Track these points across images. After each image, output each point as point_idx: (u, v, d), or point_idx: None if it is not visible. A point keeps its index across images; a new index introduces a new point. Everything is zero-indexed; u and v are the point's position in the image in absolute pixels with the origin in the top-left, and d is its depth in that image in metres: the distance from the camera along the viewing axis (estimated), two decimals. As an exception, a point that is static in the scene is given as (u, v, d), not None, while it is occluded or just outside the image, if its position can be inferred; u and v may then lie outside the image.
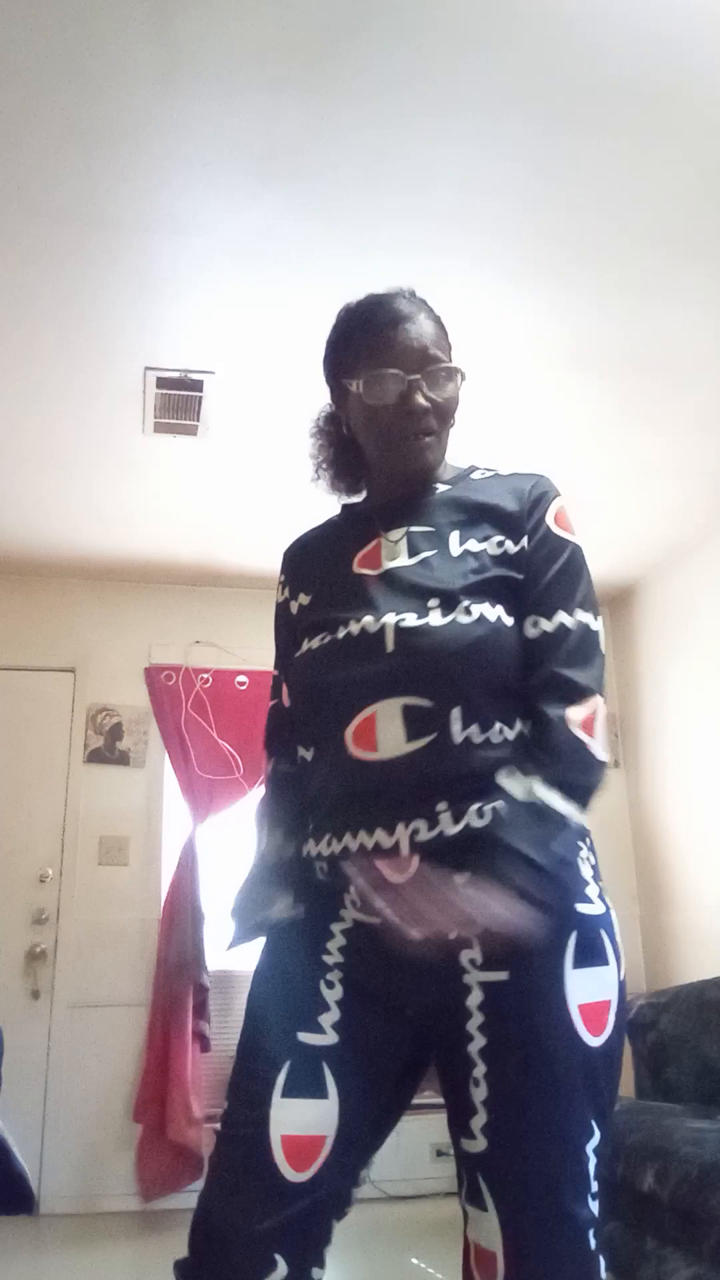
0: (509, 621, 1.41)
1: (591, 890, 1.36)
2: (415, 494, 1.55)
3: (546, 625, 1.42)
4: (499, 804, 1.30)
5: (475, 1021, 1.27)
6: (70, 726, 4.95)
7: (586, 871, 1.37)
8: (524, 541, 1.47)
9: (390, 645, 1.38)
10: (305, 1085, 1.27)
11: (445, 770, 1.32)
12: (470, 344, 3.39)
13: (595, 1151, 1.24)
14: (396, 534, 1.51)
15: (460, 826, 1.30)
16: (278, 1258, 1.20)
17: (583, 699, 1.38)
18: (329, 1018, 1.31)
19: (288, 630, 1.60)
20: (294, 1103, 1.26)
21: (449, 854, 1.29)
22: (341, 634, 1.43)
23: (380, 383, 1.48)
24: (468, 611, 1.38)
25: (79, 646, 5.03)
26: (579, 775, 1.33)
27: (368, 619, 1.41)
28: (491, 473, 1.59)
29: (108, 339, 3.32)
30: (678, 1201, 2.68)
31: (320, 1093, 1.27)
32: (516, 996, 1.27)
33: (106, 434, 3.90)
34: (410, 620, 1.38)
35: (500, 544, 1.46)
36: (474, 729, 1.34)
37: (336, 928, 1.37)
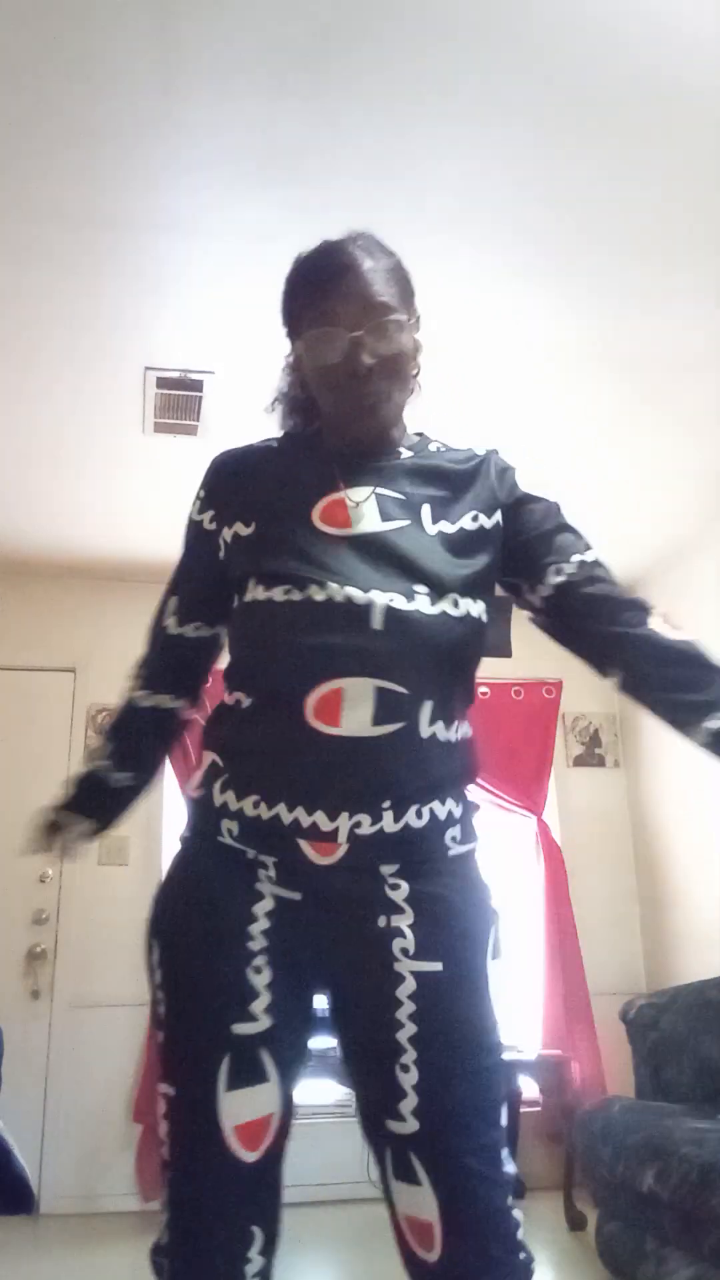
0: (485, 618, 1.42)
1: (488, 894, 1.42)
2: (375, 453, 1.47)
3: (570, 569, 1.45)
4: (435, 805, 1.34)
5: (406, 1010, 1.28)
6: (70, 726, 4.95)
7: (481, 875, 1.43)
8: (498, 515, 1.46)
9: (378, 624, 1.32)
10: (247, 1075, 1.27)
11: (404, 763, 1.32)
12: (471, 346, 3.40)
13: (504, 1121, 1.31)
14: (361, 493, 1.43)
15: (399, 826, 1.31)
16: (253, 1229, 1.26)
17: (649, 604, 1.44)
18: (260, 1003, 1.29)
19: (208, 553, 1.49)
20: (239, 1093, 1.26)
21: (380, 847, 1.31)
22: (320, 596, 1.33)
23: (321, 342, 1.41)
24: (456, 605, 1.36)
25: (79, 646, 5.02)
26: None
27: (352, 590, 1.33)
28: (444, 445, 1.54)
29: (108, 339, 3.32)
30: (678, 1201, 2.68)
31: (262, 1077, 1.28)
32: (448, 987, 1.29)
33: (107, 434, 3.90)
34: (400, 603, 1.33)
35: (475, 519, 1.44)
36: (439, 725, 1.35)
37: (259, 909, 1.32)
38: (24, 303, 3.14)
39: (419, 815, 1.32)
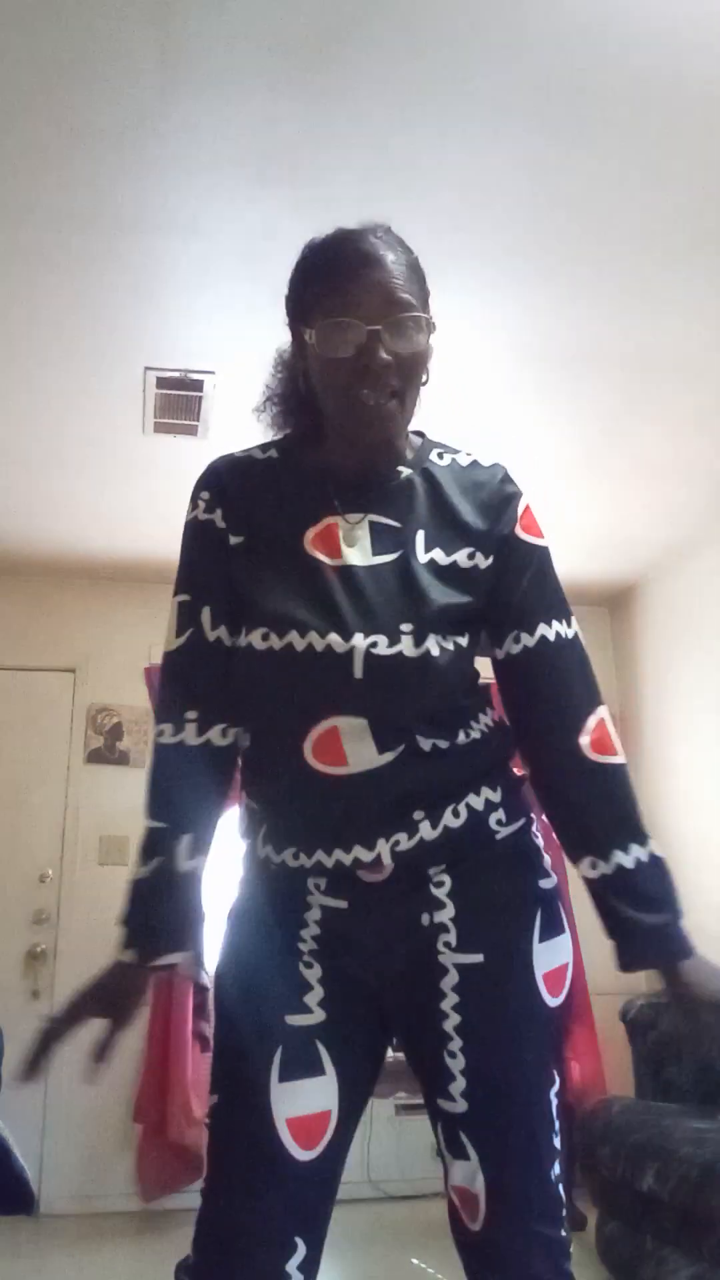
0: (474, 644, 1.41)
1: (545, 863, 1.43)
2: (376, 470, 1.42)
3: (529, 640, 1.41)
4: (471, 798, 1.35)
5: (450, 1001, 1.31)
6: (70, 726, 4.95)
7: (538, 845, 1.45)
8: (493, 557, 1.41)
9: (358, 672, 1.28)
10: (302, 1066, 1.28)
11: (419, 779, 1.33)
12: (471, 346, 3.40)
13: (555, 1095, 1.35)
14: (355, 517, 1.38)
15: (439, 831, 1.32)
16: (297, 1240, 1.24)
17: (590, 715, 1.43)
18: (314, 996, 1.31)
19: (220, 556, 1.40)
20: (293, 1085, 1.27)
21: (426, 854, 1.33)
22: (301, 646, 1.29)
23: (336, 332, 1.33)
24: (440, 644, 1.33)
25: (79, 646, 5.02)
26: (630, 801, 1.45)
27: (334, 637, 1.28)
28: (450, 457, 1.48)
29: (107, 339, 3.32)
30: (678, 1201, 2.68)
31: (318, 1070, 1.29)
32: (490, 977, 1.32)
33: (107, 434, 3.90)
34: (382, 647, 1.29)
35: (471, 556, 1.40)
36: (438, 739, 1.36)
37: (309, 916, 1.35)
38: (23, 303, 3.14)
39: (455, 815, 1.34)
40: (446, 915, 1.33)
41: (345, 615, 1.31)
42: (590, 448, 4.00)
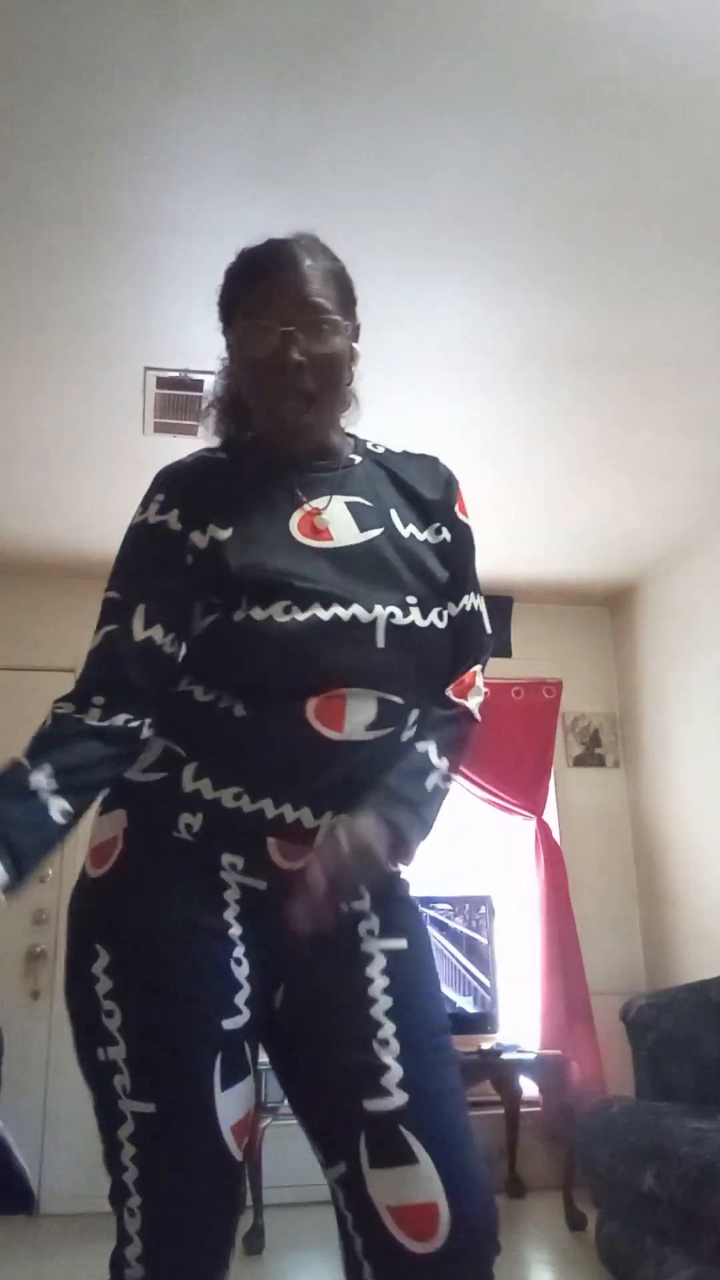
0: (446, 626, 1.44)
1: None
2: (322, 461, 1.45)
3: (453, 610, 1.45)
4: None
5: (380, 985, 1.29)
6: (70, 726, 4.94)
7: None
8: (446, 533, 1.47)
9: (381, 641, 1.33)
10: (237, 1071, 1.25)
11: (383, 766, 1.34)
12: (470, 345, 3.40)
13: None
14: (321, 502, 1.40)
15: None
16: (233, 1231, 1.29)
17: (463, 669, 1.47)
18: (242, 995, 1.27)
19: (174, 557, 1.38)
20: (232, 1091, 1.24)
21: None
22: (325, 615, 1.30)
23: (253, 334, 1.39)
24: (440, 615, 1.40)
25: (79, 646, 4.90)
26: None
27: (357, 609, 1.32)
28: (384, 448, 1.53)
29: (108, 339, 3.32)
30: (677, 1201, 2.68)
31: (246, 1071, 1.27)
32: (414, 961, 1.33)
33: (107, 434, 3.90)
34: (399, 617, 1.34)
35: (438, 531, 1.46)
36: (411, 730, 1.38)
37: (229, 896, 1.30)
38: (24, 303, 3.14)
39: None
40: (364, 904, 1.32)
41: (358, 590, 1.34)
42: (590, 448, 4.00)
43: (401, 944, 1.32)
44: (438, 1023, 1.32)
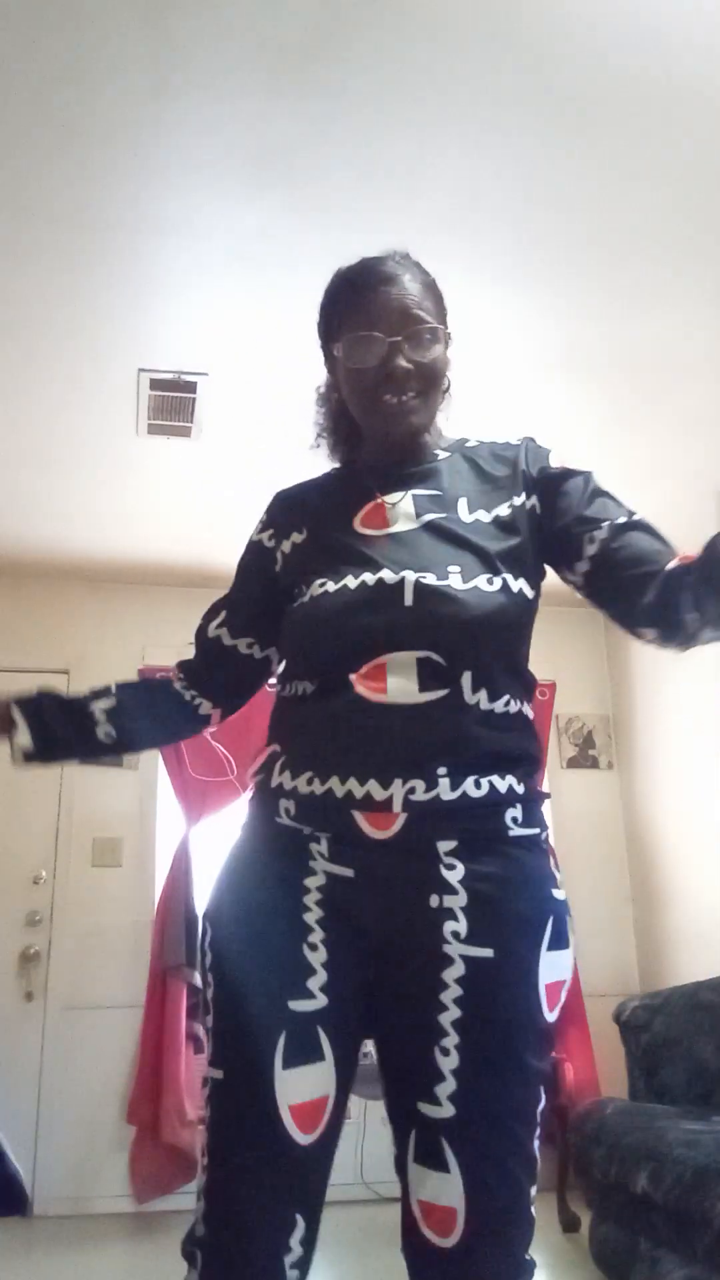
0: (530, 595, 1.45)
1: (559, 875, 1.45)
2: (409, 458, 1.55)
3: (602, 533, 1.48)
4: (495, 778, 1.35)
5: (452, 993, 1.28)
6: (64, 728, 4.93)
7: (551, 855, 1.47)
8: (533, 497, 1.51)
9: (409, 599, 1.37)
10: (304, 1052, 1.27)
11: (453, 729, 1.34)
12: (467, 347, 3.39)
13: (540, 1114, 1.32)
14: (396, 496, 1.50)
15: (457, 794, 1.31)
16: (297, 1216, 1.26)
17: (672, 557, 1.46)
18: (316, 981, 1.29)
19: (265, 567, 1.59)
20: (295, 1072, 1.26)
21: (438, 819, 1.31)
22: (354, 583, 1.41)
23: (360, 345, 1.48)
24: (491, 580, 1.40)
25: (73, 648, 5.02)
26: None
27: (385, 572, 1.40)
28: (477, 441, 1.62)
29: (101, 341, 3.32)
30: (671, 1203, 2.69)
31: (318, 1055, 1.28)
32: (497, 973, 1.30)
33: (100, 435, 3.89)
34: (430, 579, 1.38)
35: (510, 505, 1.49)
36: (483, 694, 1.37)
37: (311, 883, 1.34)
38: (16, 304, 3.14)
39: (478, 785, 1.33)
40: (458, 903, 1.30)
41: (396, 560, 1.42)
42: (586, 450, 3.99)
43: (487, 953, 1.29)
44: (511, 1039, 1.29)
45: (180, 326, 3.27)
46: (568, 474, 1.55)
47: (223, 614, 1.63)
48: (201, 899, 4.64)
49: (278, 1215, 1.24)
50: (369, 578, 1.40)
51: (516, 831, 1.37)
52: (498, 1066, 1.27)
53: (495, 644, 1.40)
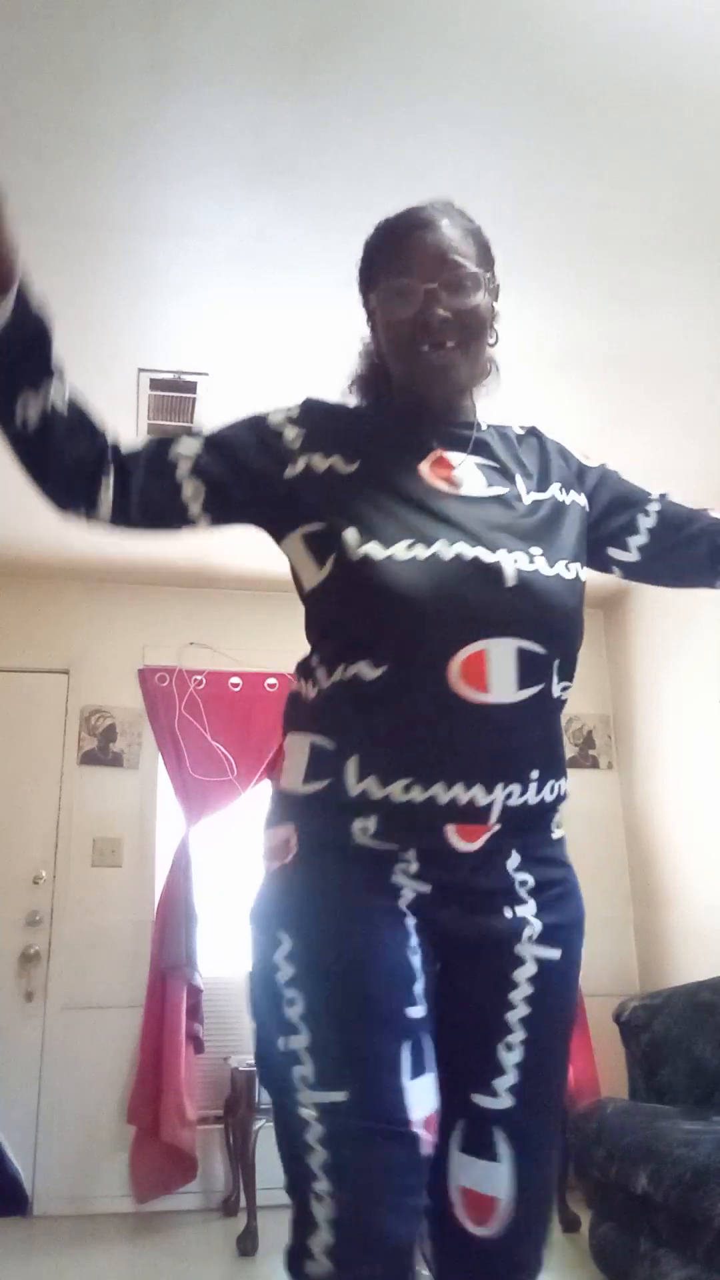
0: (582, 585, 1.42)
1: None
2: (455, 419, 1.46)
3: (654, 506, 1.55)
4: (562, 780, 1.37)
5: (522, 992, 1.30)
6: (64, 728, 4.94)
7: None
8: (580, 492, 1.51)
9: (510, 580, 1.28)
10: (421, 1062, 1.23)
11: (543, 727, 1.33)
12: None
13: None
14: (457, 457, 1.42)
15: (538, 799, 1.32)
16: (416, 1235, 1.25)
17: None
18: (420, 985, 1.26)
19: (270, 455, 1.39)
20: (419, 1082, 1.22)
21: (516, 824, 1.31)
22: (448, 554, 1.28)
23: (395, 294, 1.40)
24: (567, 568, 1.36)
25: (73, 648, 5.02)
26: None
27: (481, 548, 1.29)
28: (497, 424, 1.58)
29: (100, 341, 3.32)
30: (671, 1203, 2.68)
31: (430, 1066, 1.25)
32: (562, 976, 1.34)
33: (100, 435, 3.89)
34: (524, 563, 1.30)
35: (564, 491, 1.47)
36: (560, 686, 1.35)
37: (405, 893, 1.28)
38: (18, 304, 3.14)
39: (551, 790, 1.34)
40: (529, 911, 1.32)
41: (483, 532, 1.32)
42: (588, 449, 4.00)
43: (555, 954, 1.32)
44: (563, 1036, 1.35)
45: (180, 326, 3.27)
46: (594, 466, 1.59)
47: (198, 450, 1.40)
48: (201, 899, 4.65)
49: (412, 1237, 1.20)
50: (465, 550, 1.29)
51: (557, 834, 1.40)
52: (552, 1062, 1.34)
53: (576, 633, 1.39)
